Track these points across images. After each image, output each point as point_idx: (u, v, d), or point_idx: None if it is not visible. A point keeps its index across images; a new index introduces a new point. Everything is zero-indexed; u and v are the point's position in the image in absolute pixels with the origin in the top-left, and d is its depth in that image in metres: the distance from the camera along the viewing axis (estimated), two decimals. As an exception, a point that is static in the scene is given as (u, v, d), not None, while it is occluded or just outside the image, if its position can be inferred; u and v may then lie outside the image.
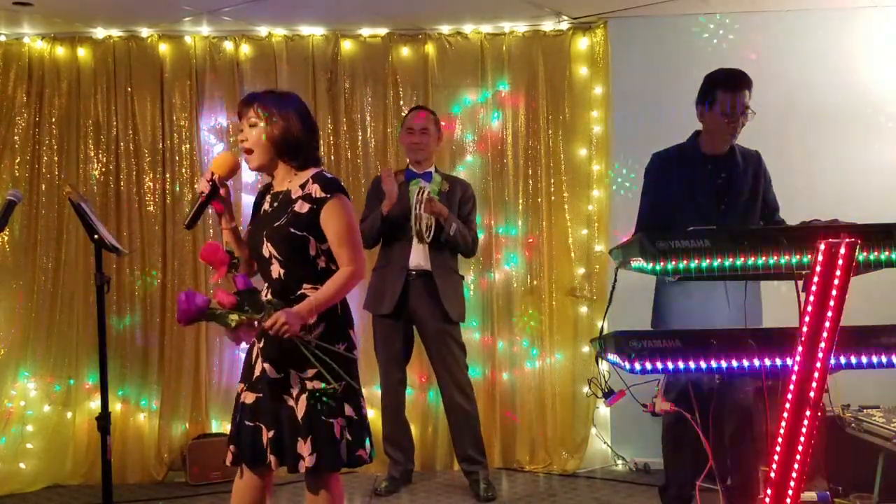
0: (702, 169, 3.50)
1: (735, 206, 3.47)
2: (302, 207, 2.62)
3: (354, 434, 2.64)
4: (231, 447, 2.69)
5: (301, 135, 2.66)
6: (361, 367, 4.78)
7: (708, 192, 3.47)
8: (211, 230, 4.80)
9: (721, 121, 3.43)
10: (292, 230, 2.61)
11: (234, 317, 2.44)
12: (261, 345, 2.66)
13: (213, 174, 2.64)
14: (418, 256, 4.20)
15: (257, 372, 2.66)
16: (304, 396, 2.60)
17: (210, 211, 2.75)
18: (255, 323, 2.48)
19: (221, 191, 2.68)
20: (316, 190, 2.62)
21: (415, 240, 4.17)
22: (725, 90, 3.41)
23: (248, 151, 2.67)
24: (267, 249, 2.65)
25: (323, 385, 2.57)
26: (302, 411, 2.59)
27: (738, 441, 3.49)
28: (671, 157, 3.59)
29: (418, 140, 4.27)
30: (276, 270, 2.64)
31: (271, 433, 2.61)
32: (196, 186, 2.61)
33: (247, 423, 2.65)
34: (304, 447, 2.58)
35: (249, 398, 2.67)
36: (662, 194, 3.55)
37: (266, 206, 2.74)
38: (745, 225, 3.45)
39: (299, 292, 2.63)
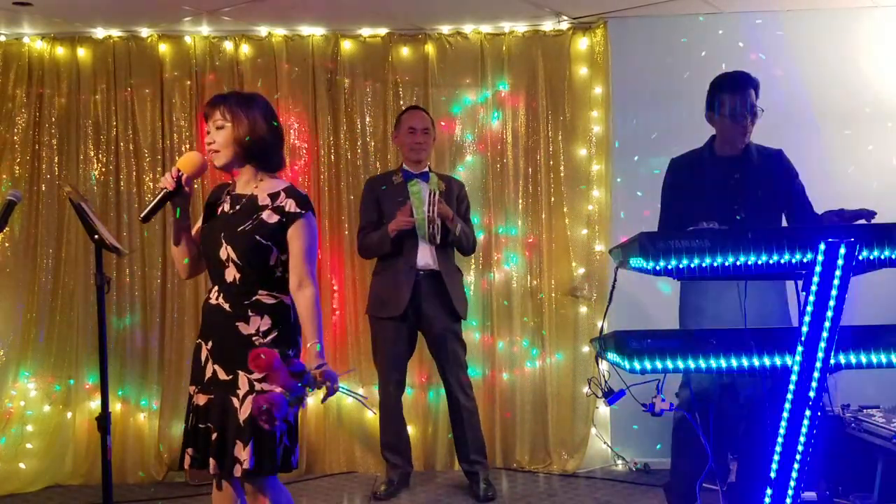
0: (716, 170, 3.53)
1: (750, 205, 3.47)
2: (270, 217, 2.63)
3: (291, 439, 2.66)
4: (189, 450, 2.66)
5: (266, 136, 2.68)
6: (362, 370, 4.84)
7: (721, 194, 3.49)
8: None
9: (728, 123, 3.46)
10: (258, 238, 2.61)
11: (299, 397, 2.46)
12: (209, 346, 2.66)
13: (179, 171, 2.61)
14: (426, 256, 4.20)
15: (208, 374, 2.65)
16: (249, 398, 2.56)
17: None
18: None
19: (185, 189, 2.64)
20: (290, 205, 2.64)
21: (421, 240, 4.17)
22: (729, 92, 3.46)
23: (216, 153, 2.66)
24: (225, 252, 2.63)
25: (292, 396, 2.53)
26: (245, 413, 2.56)
27: (749, 439, 3.50)
28: (687, 161, 3.64)
29: (421, 140, 4.28)
30: (232, 274, 2.63)
31: (215, 435, 2.60)
32: (159, 181, 2.61)
33: (200, 425, 2.64)
34: (242, 451, 2.55)
35: (202, 400, 2.65)
36: (679, 197, 3.59)
37: (225, 207, 2.72)
38: (762, 223, 3.46)
39: (254, 298, 2.63)
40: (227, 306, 2.63)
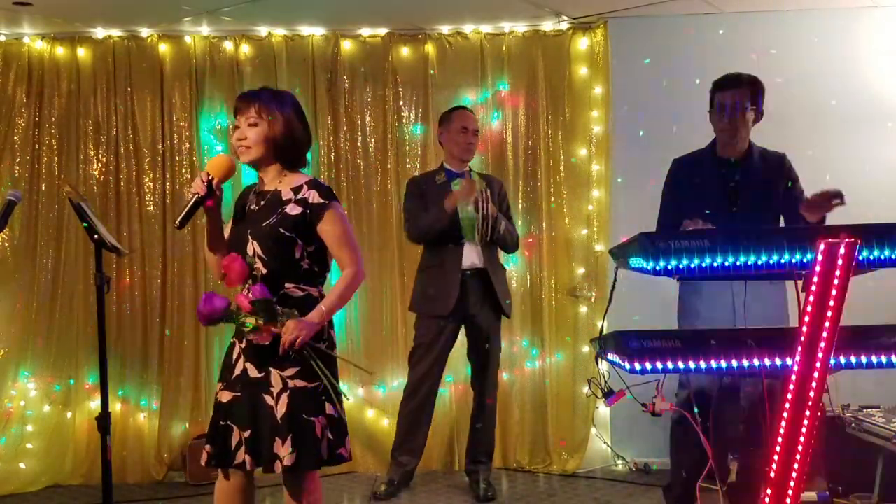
0: (715, 172, 3.53)
1: (748, 208, 3.48)
2: (293, 210, 2.66)
3: (335, 432, 2.67)
4: (207, 447, 2.69)
5: (299, 135, 2.72)
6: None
7: (720, 195, 3.49)
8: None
9: (722, 121, 3.45)
10: (281, 230, 2.63)
11: (251, 321, 2.55)
12: (243, 345, 2.67)
13: (209, 175, 2.63)
14: (472, 255, 4.20)
15: (237, 371, 2.67)
16: (285, 395, 2.60)
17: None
18: (272, 329, 2.56)
19: (217, 192, 2.67)
20: (313, 196, 2.66)
21: (466, 239, 4.16)
22: (722, 90, 3.47)
23: (247, 149, 2.68)
24: (251, 248, 2.66)
25: (317, 382, 2.61)
26: (283, 410, 2.59)
27: (749, 439, 3.51)
28: (688, 162, 3.65)
29: (473, 141, 4.30)
30: (261, 269, 2.65)
31: (247, 433, 2.60)
32: (189, 187, 2.62)
33: (220, 422, 2.66)
34: (281, 447, 2.57)
35: (225, 397, 2.67)
36: (679, 197, 3.60)
37: (252, 205, 2.75)
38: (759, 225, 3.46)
39: (281, 292, 2.65)
40: None
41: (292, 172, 2.74)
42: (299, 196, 2.67)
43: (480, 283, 4.21)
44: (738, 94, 3.43)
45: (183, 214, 2.63)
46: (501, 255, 4.42)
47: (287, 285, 2.66)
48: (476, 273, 4.21)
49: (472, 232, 4.15)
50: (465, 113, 4.36)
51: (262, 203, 2.70)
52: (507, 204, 4.40)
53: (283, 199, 2.67)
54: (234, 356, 2.70)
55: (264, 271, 2.65)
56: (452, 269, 4.18)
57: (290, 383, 2.60)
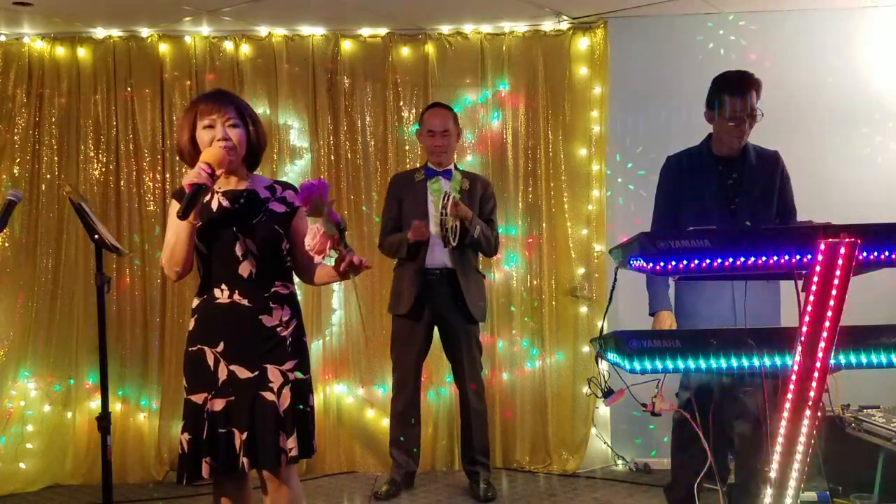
0: (713, 170, 3.52)
1: (746, 206, 3.47)
2: (279, 208, 2.69)
3: (313, 422, 2.71)
4: (206, 459, 2.60)
5: (266, 138, 2.78)
6: (361, 369, 4.84)
7: (718, 193, 3.48)
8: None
9: (728, 124, 3.43)
10: (276, 227, 2.65)
11: (334, 228, 2.48)
12: (219, 348, 2.62)
13: (210, 167, 2.54)
14: (441, 255, 4.17)
15: (222, 377, 2.61)
16: (287, 388, 2.60)
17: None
18: (336, 247, 2.50)
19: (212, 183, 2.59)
20: (290, 195, 2.72)
21: (435, 239, 4.14)
22: (731, 94, 3.41)
23: (231, 149, 2.62)
24: (242, 246, 2.62)
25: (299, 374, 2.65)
26: (286, 404, 2.59)
27: (748, 442, 3.51)
28: (683, 160, 3.62)
29: (440, 143, 4.22)
30: (248, 269, 2.62)
31: (244, 435, 2.57)
32: (185, 178, 2.55)
33: (220, 430, 2.60)
34: (287, 441, 2.58)
35: (218, 405, 2.60)
36: (674, 196, 3.58)
37: (221, 203, 2.66)
38: (757, 224, 3.45)
39: (272, 290, 2.64)
40: (245, 301, 2.62)
41: (252, 173, 2.77)
42: (277, 195, 2.71)
43: (448, 284, 4.18)
44: (748, 98, 3.39)
45: (186, 204, 2.52)
46: (482, 259, 4.40)
47: (276, 283, 2.66)
48: (445, 273, 4.19)
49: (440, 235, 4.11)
50: (435, 113, 4.26)
51: (242, 201, 2.67)
52: (492, 206, 4.31)
53: (262, 197, 2.69)
54: (211, 362, 2.62)
55: (254, 270, 2.61)
56: (414, 269, 4.19)
57: (291, 376, 2.62)
